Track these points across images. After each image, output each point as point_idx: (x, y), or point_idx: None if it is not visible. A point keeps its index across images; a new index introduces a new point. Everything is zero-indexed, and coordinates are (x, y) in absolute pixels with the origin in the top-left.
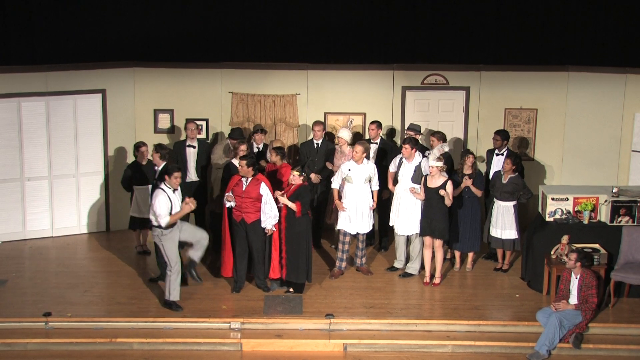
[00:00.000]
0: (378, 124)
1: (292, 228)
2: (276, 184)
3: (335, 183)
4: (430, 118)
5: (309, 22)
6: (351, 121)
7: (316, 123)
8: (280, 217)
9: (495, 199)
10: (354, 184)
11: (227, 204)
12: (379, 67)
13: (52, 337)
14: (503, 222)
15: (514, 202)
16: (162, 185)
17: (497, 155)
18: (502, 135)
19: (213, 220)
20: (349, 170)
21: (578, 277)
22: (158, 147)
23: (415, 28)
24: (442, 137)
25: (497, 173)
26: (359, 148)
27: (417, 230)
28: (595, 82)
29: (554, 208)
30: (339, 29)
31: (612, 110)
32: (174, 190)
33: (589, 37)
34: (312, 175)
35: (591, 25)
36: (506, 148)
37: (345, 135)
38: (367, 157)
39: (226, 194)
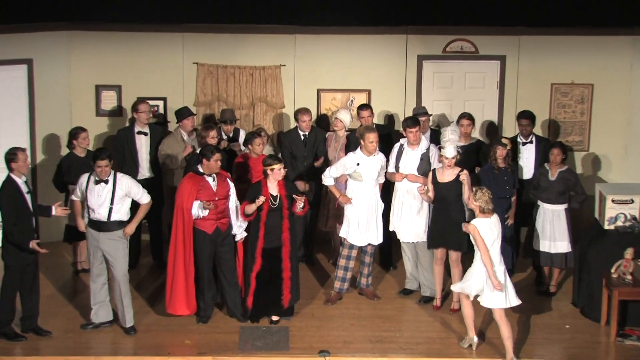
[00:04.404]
0: (371, 109)
1: (294, 240)
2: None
3: (328, 179)
4: (454, 97)
5: None
6: (352, 100)
7: (302, 111)
8: (281, 229)
9: (540, 203)
10: (364, 182)
11: (202, 214)
12: (388, 31)
13: None
14: (552, 232)
15: (565, 205)
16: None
17: (525, 144)
18: (531, 118)
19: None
20: (358, 164)
21: None
22: None
23: None
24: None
25: (542, 169)
26: (374, 136)
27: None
28: None
29: (615, 213)
30: None
31: None
32: (96, 182)
33: None
34: (299, 183)
35: None
36: (533, 134)
37: (346, 118)
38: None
39: (200, 202)
